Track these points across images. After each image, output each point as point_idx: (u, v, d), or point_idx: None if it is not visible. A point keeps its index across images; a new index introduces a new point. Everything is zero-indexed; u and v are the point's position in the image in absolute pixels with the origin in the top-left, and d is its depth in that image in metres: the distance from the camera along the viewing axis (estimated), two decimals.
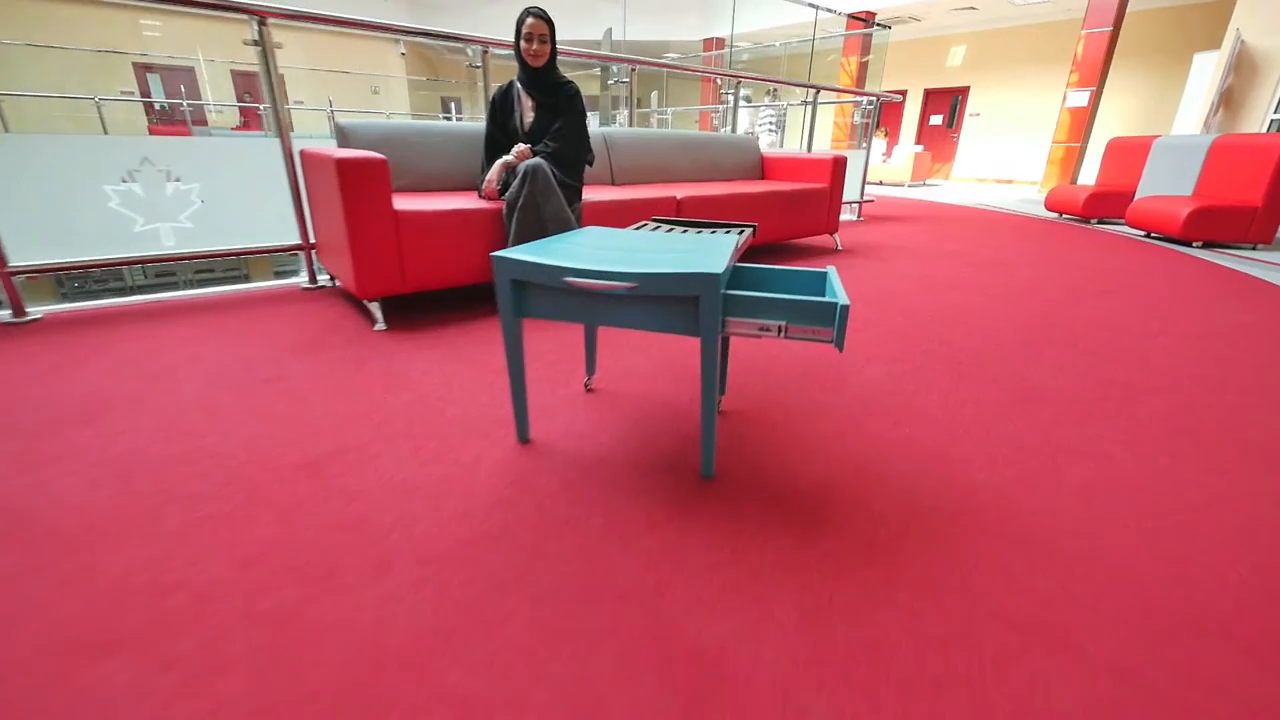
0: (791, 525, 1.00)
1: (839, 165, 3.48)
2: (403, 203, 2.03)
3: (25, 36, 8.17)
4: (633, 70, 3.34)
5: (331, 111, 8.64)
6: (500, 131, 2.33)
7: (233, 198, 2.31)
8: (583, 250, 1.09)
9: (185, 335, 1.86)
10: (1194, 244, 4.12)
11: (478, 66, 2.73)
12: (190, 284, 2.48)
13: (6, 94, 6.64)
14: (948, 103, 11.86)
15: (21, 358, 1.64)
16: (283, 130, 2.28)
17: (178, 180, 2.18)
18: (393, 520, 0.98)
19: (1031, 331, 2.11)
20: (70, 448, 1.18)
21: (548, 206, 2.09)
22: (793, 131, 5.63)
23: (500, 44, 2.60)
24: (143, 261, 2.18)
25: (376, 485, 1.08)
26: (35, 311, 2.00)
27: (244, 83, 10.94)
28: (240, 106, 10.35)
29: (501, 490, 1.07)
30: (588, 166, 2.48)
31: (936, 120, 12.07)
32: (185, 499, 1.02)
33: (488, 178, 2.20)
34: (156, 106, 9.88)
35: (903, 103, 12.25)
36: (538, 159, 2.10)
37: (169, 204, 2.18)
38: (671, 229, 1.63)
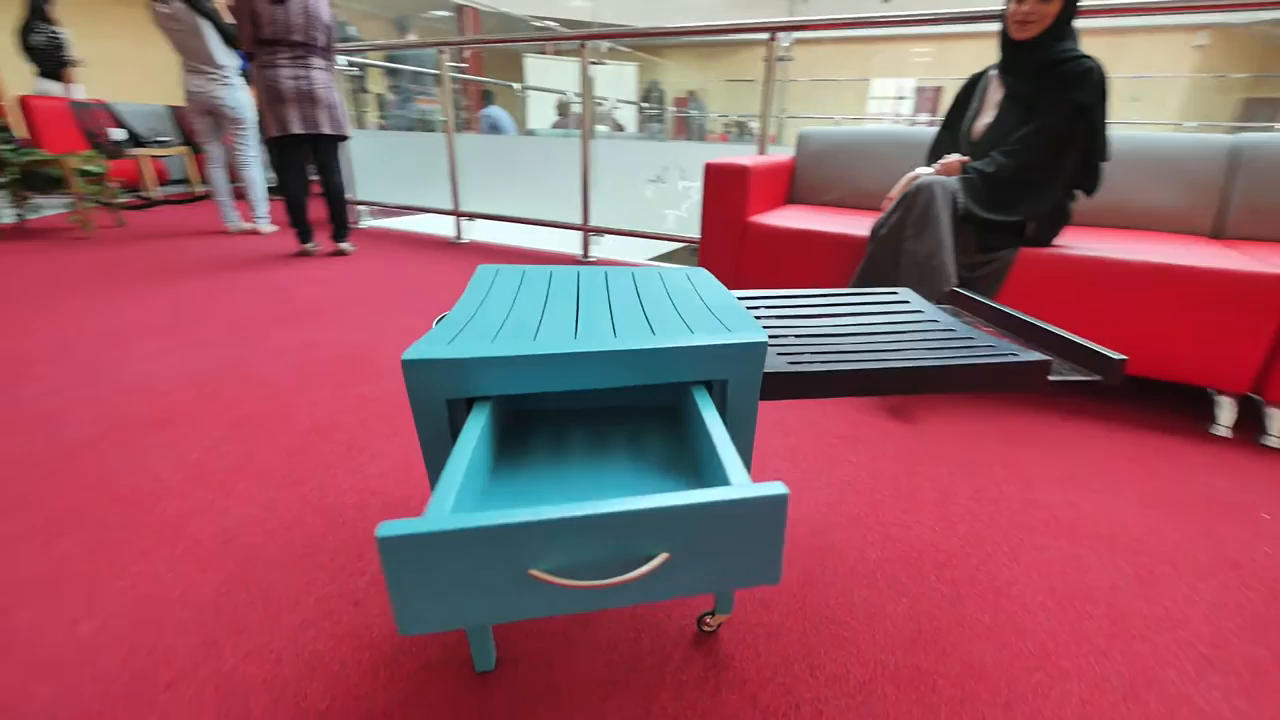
0: None
1: None
2: (785, 217, 1.88)
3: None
4: None
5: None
6: (949, 134, 1.74)
7: None
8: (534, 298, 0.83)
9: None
10: None
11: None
12: None
13: (792, 116, 9.16)
14: None
15: None
16: (762, 139, 2.48)
17: (686, 180, 2.77)
18: None
19: None
20: None
21: (917, 245, 1.47)
22: None
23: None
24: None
25: None
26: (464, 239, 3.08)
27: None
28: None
29: None
30: (1084, 195, 1.53)
31: None
32: None
33: (890, 194, 1.72)
34: None
35: None
36: (937, 178, 1.49)
37: (676, 196, 2.82)
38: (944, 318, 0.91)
